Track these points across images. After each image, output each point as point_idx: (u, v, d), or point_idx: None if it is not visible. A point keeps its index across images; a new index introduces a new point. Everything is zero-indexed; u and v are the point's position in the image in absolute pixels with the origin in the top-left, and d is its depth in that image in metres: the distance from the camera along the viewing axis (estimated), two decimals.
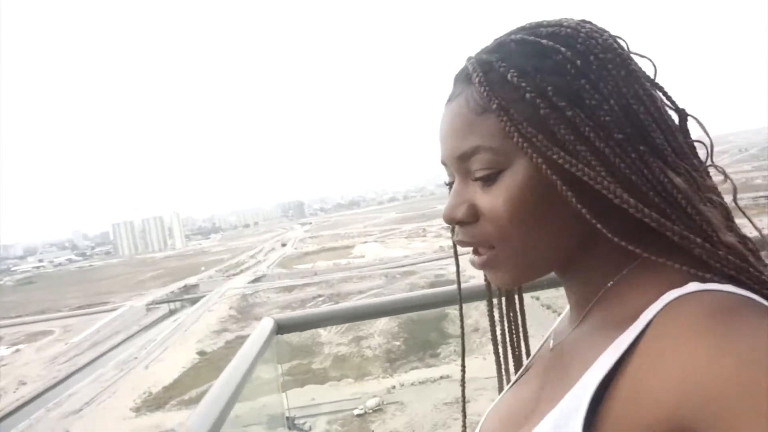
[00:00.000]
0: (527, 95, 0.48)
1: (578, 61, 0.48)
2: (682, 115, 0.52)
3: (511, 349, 0.70)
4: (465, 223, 0.53)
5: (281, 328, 1.30)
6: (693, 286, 0.43)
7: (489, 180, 0.51)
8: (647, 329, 0.43)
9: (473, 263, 0.56)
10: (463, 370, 0.73)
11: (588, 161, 0.47)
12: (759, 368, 0.34)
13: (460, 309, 0.73)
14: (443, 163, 0.57)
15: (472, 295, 1.18)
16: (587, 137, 0.47)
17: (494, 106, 0.49)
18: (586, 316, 0.54)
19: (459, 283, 0.71)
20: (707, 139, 0.52)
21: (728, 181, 0.52)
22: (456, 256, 0.65)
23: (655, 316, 0.43)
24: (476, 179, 0.52)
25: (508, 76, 0.49)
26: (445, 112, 0.56)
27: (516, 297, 0.71)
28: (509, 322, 0.70)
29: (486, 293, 0.69)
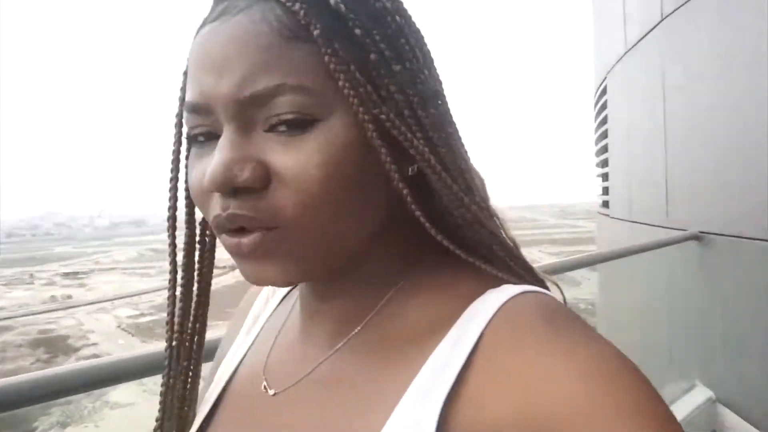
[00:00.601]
0: (357, 30, 0.38)
1: (397, 17, 0.41)
2: None
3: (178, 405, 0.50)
4: (248, 190, 0.37)
5: None
6: (511, 288, 0.39)
7: (296, 130, 0.37)
8: (481, 341, 0.36)
9: (239, 247, 0.39)
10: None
11: (412, 129, 0.39)
12: (604, 383, 0.32)
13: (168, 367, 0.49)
14: (195, 106, 0.39)
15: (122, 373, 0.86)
16: (411, 102, 0.39)
17: (316, 32, 0.37)
18: (354, 335, 0.44)
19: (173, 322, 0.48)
20: None
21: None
22: (175, 267, 0.47)
23: (487, 325, 0.37)
24: (272, 130, 0.37)
25: (332, 0, 0.38)
26: (214, 30, 0.39)
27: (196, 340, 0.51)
28: (185, 376, 0.50)
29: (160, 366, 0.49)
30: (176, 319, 0.47)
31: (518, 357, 0.34)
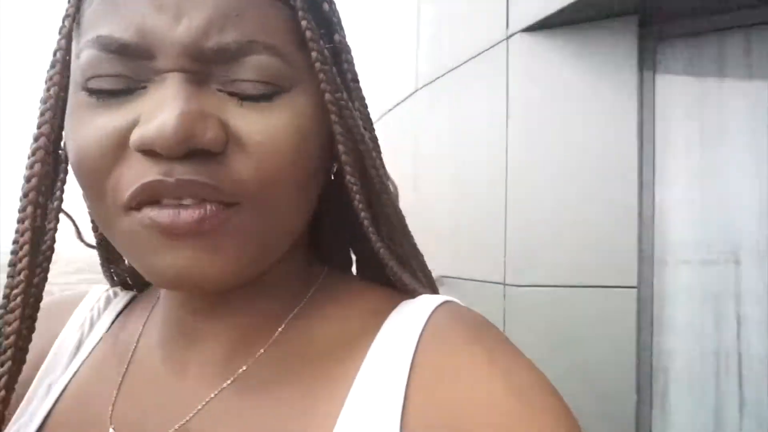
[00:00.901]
0: (325, 6, 0.34)
1: (338, 12, 0.37)
2: None
3: None
4: (204, 154, 0.29)
5: None
6: (430, 299, 0.37)
7: (260, 97, 0.31)
8: (416, 354, 0.33)
9: (176, 222, 0.29)
10: None
11: (360, 118, 0.36)
12: (535, 402, 0.31)
13: None
14: (125, 46, 0.29)
15: None
16: (358, 95, 0.37)
17: None
18: (257, 358, 0.35)
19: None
20: None
21: None
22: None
23: (420, 337, 0.34)
24: (228, 91, 0.30)
25: None
26: None
27: None
28: None
29: None
30: (12, 343, 0.32)
31: (456, 372, 0.32)
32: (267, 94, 0.31)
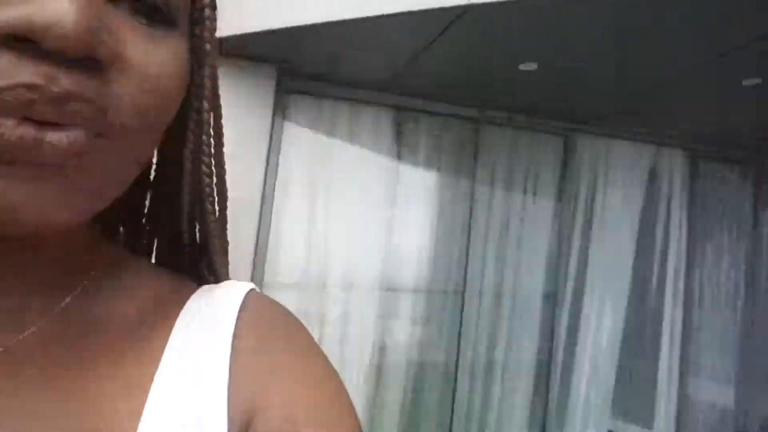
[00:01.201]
0: None
1: None
2: None
3: None
4: (94, 66, 0.23)
5: None
6: (238, 286, 0.35)
7: (156, 24, 0.27)
8: (234, 339, 0.32)
9: (37, 151, 0.22)
10: None
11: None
12: (330, 388, 0.33)
13: None
14: None
15: None
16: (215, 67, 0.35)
17: None
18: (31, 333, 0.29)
19: None
20: None
21: None
22: None
23: (237, 323, 0.33)
24: (119, 6, 0.25)
25: None
26: None
27: None
28: None
29: None
30: None
31: (271, 360, 0.33)
32: (160, 17, 0.28)
